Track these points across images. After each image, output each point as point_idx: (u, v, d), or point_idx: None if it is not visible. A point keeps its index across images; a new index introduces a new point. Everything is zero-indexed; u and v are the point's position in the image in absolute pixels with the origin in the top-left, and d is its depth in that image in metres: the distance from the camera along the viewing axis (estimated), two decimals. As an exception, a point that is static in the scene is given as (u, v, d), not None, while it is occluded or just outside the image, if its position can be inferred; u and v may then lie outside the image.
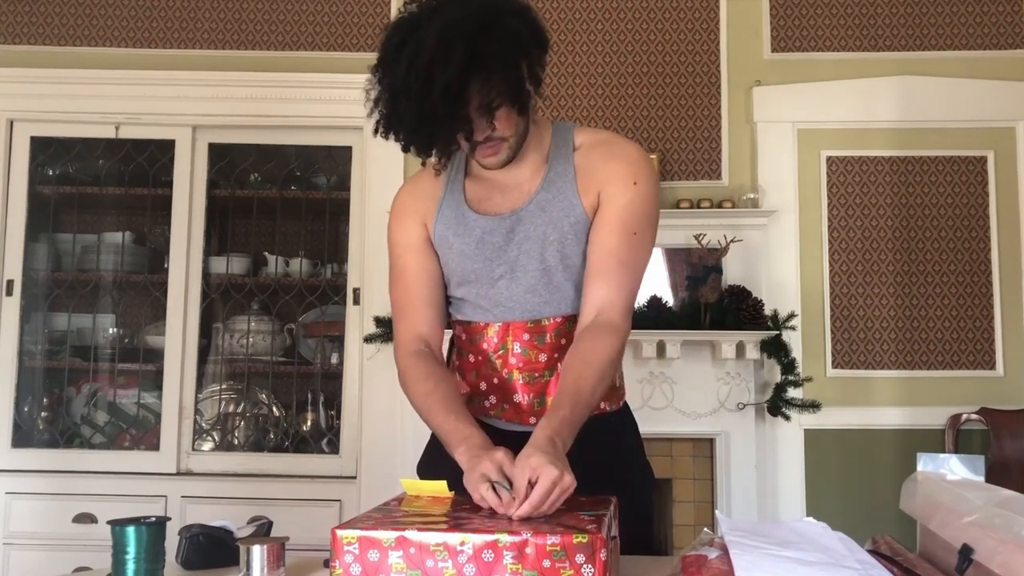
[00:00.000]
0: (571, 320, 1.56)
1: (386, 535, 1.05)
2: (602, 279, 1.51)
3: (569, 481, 1.21)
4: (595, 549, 1.03)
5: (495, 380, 1.58)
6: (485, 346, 1.59)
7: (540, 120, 1.59)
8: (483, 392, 1.60)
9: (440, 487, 1.30)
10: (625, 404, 1.68)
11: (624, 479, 1.51)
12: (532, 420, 1.56)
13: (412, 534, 1.05)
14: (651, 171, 1.56)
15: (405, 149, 1.47)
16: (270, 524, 1.58)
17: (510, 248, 1.54)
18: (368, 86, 1.47)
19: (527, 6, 1.45)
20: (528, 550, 1.03)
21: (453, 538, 1.04)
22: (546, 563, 1.02)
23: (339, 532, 1.06)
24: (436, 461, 1.61)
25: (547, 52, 1.48)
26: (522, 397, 1.56)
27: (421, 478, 1.61)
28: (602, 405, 1.58)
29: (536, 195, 1.54)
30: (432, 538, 1.04)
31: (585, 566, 1.02)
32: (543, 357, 1.55)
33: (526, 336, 1.56)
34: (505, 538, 1.04)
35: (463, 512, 1.20)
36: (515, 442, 1.45)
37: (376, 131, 1.46)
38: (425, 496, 1.31)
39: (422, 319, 1.59)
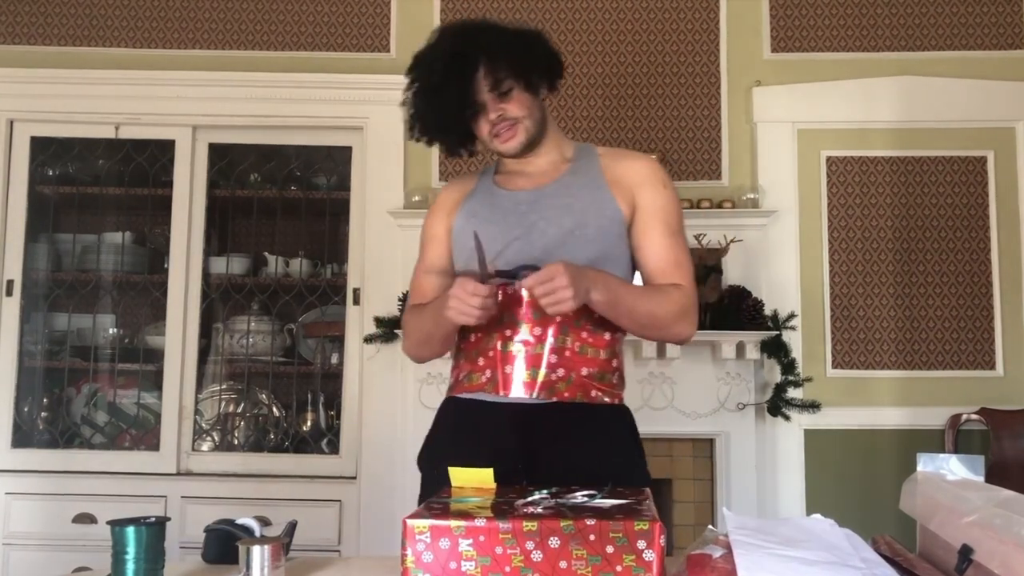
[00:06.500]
0: None
1: (456, 523, 1.09)
2: (663, 279, 1.67)
3: (562, 283, 1.43)
4: (655, 536, 1.06)
5: (491, 353, 1.62)
6: (486, 322, 1.61)
7: (563, 135, 1.80)
8: (480, 367, 1.64)
9: (485, 476, 1.34)
10: (624, 407, 1.69)
11: (618, 479, 1.52)
12: (526, 393, 1.59)
13: (481, 522, 1.08)
14: (670, 177, 1.76)
15: (429, 143, 1.72)
16: (294, 524, 1.56)
17: (531, 214, 1.66)
18: (402, 100, 1.70)
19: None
20: (592, 536, 1.07)
21: (521, 525, 1.08)
22: (609, 549, 1.06)
23: (410, 522, 1.09)
24: (434, 453, 1.68)
25: (560, 61, 1.71)
26: (515, 369, 1.60)
27: (421, 470, 1.71)
28: (596, 394, 1.62)
29: (561, 177, 1.70)
30: (501, 525, 1.08)
31: (646, 551, 1.06)
32: (538, 331, 1.60)
33: (528, 310, 1.60)
34: (570, 525, 1.08)
35: (513, 499, 1.24)
36: (507, 416, 1.57)
37: (411, 135, 1.71)
38: (470, 486, 1.35)
39: (430, 291, 1.73)
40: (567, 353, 1.60)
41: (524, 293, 1.59)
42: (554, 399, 1.58)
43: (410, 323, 1.76)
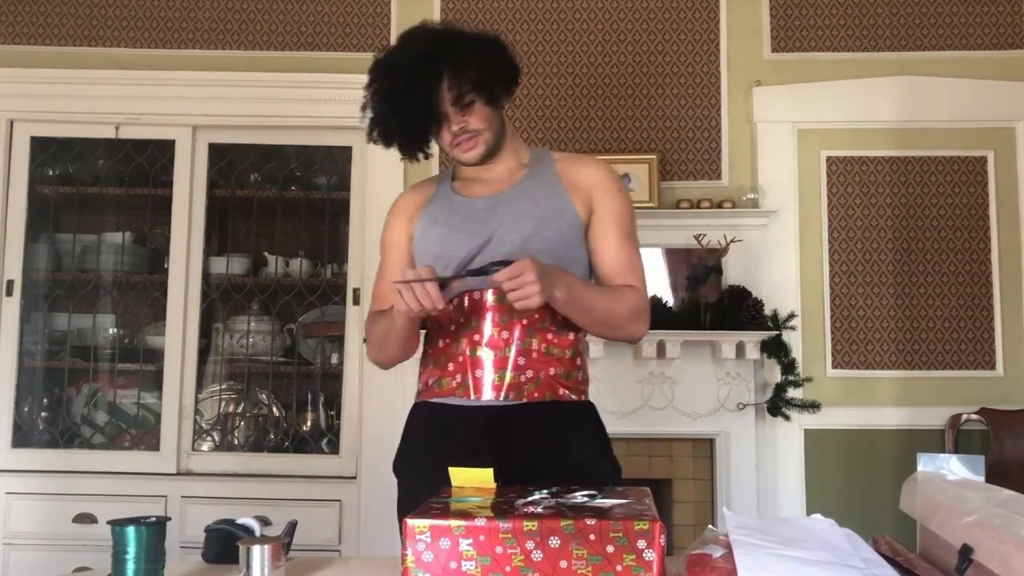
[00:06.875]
0: None
1: (457, 523, 1.09)
2: (619, 281, 1.70)
3: (530, 278, 1.45)
4: (655, 535, 1.07)
5: (460, 358, 1.66)
6: (453, 327, 1.67)
7: (520, 141, 1.82)
8: (450, 372, 1.67)
9: (485, 476, 1.35)
10: (590, 403, 1.74)
11: (590, 475, 1.52)
12: (494, 395, 1.63)
13: (481, 522, 1.09)
14: (622, 182, 1.81)
15: (387, 146, 1.71)
16: (294, 524, 1.57)
17: (491, 222, 1.68)
18: (363, 101, 1.70)
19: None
20: (592, 536, 1.07)
21: (521, 525, 1.08)
22: (610, 548, 1.07)
23: (411, 522, 1.10)
24: (408, 458, 1.74)
25: (518, 69, 1.73)
26: (484, 372, 1.64)
27: (396, 475, 1.76)
28: (563, 392, 1.66)
29: (519, 183, 1.74)
30: (501, 525, 1.09)
31: (646, 551, 1.06)
32: (505, 334, 1.64)
33: (493, 314, 1.64)
34: (570, 525, 1.08)
35: (514, 499, 1.24)
36: (477, 419, 1.61)
37: (369, 137, 1.71)
38: (470, 486, 1.36)
39: (392, 297, 1.66)
40: (534, 354, 1.64)
41: (489, 297, 1.64)
42: (523, 400, 1.63)
43: (370, 327, 1.77)
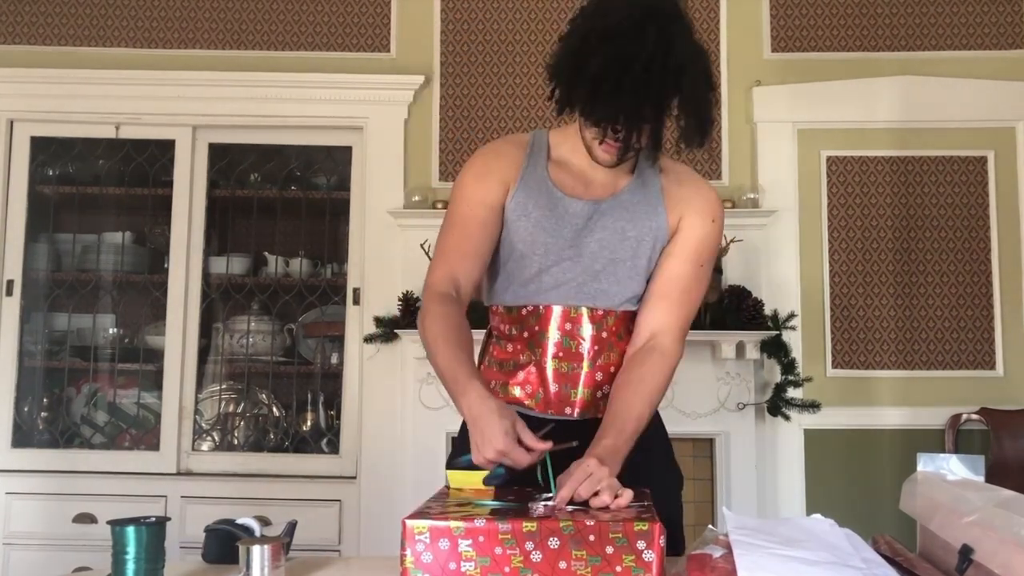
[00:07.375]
0: (614, 315, 1.58)
1: (456, 524, 1.09)
2: (663, 303, 1.59)
3: (602, 474, 1.27)
4: (654, 536, 1.07)
5: (532, 368, 1.58)
6: (526, 334, 1.59)
7: None
8: (519, 381, 1.60)
9: (482, 479, 1.35)
10: (656, 412, 1.64)
11: (655, 479, 1.50)
12: (567, 411, 1.57)
13: (480, 523, 1.09)
14: (723, 214, 1.68)
15: (595, 115, 1.44)
16: (294, 524, 1.56)
17: (585, 233, 1.57)
18: (574, 45, 1.45)
19: None
20: (592, 537, 1.07)
21: (520, 526, 1.08)
22: (609, 549, 1.07)
23: (409, 523, 1.10)
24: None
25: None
26: (555, 386, 1.57)
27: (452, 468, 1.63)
28: None
29: (621, 193, 1.60)
30: (500, 526, 1.09)
31: (646, 552, 1.07)
32: (583, 348, 1.57)
33: (568, 325, 1.57)
34: (570, 526, 1.08)
35: (512, 501, 1.24)
36: (547, 433, 1.46)
37: (576, 84, 1.44)
38: (468, 488, 1.36)
39: (465, 268, 1.57)
40: (612, 369, 1.58)
41: (558, 310, 1.57)
42: (599, 416, 1.55)
43: (433, 342, 1.50)
